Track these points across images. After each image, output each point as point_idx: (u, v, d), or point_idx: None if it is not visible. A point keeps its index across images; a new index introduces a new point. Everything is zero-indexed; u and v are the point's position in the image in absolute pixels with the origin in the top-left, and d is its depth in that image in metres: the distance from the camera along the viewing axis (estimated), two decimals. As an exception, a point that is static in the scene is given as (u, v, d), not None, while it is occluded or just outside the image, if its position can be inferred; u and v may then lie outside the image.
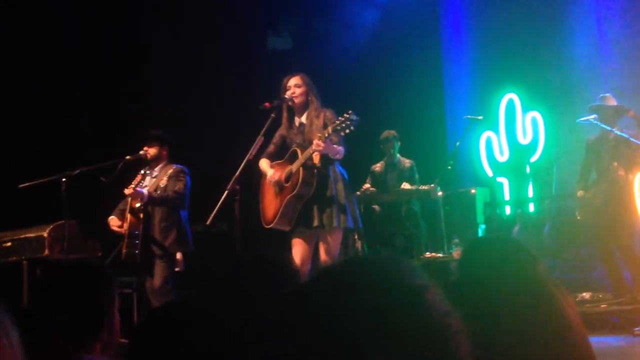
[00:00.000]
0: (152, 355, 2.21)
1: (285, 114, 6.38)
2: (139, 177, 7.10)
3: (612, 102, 7.56)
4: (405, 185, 8.96)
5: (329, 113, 6.20)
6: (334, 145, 6.02)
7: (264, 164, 6.43)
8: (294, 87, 6.30)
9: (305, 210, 6.13)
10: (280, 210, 6.17)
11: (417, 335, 0.98)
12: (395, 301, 0.99)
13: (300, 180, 6.10)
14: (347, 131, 5.82)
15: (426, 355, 0.97)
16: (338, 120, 5.87)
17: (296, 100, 6.30)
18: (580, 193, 7.74)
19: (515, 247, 1.52)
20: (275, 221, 6.21)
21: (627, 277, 7.51)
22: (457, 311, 1.39)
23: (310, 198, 6.11)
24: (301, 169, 6.12)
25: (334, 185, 6.16)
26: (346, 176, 6.35)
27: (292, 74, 6.39)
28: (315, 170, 6.14)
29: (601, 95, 7.67)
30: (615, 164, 7.42)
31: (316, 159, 6.14)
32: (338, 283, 1.02)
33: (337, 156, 6.12)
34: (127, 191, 6.96)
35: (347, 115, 5.81)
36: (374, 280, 1.02)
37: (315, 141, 5.94)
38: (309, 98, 6.30)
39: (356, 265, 1.07)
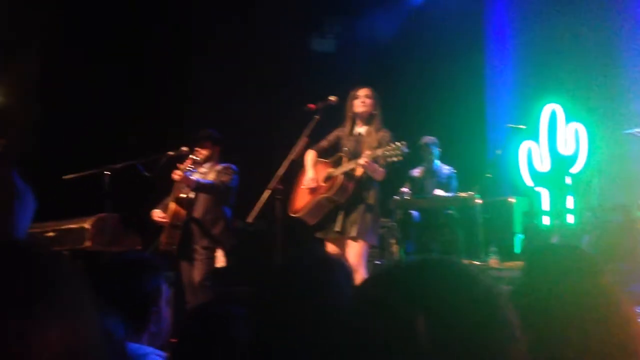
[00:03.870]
0: (197, 355, 2.23)
1: (349, 122, 6.44)
2: (189, 161, 6.84)
3: None
4: (438, 192, 8.95)
5: (387, 134, 6.26)
6: (377, 166, 6.06)
7: (310, 156, 6.49)
8: (364, 97, 6.40)
9: (332, 214, 6.20)
10: (310, 205, 6.25)
11: (468, 315, 1.03)
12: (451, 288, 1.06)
13: (338, 185, 6.17)
14: (395, 159, 5.88)
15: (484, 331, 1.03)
16: (390, 146, 5.92)
17: (361, 109, 6.37)
18: None
19: (580, 255, 1.52)
20: (301, 213, 6.28)
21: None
22: (520, 318, 1.42)
23: (341, 205, 6.17)
24: (341, 175, 6.18)
25: (366, 199, 6.22)
26: (379, 193, 6.39)
27: (363, 85, 6.45)
28: (354, 182, 6.20)
29: None
30: None
31: (359, 171, 6.20)
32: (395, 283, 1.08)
33: (377, 176, 6.17)
34: (175, 176, 6.83)
35: (399, 144, 5.87)
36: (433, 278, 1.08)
37: (364, 158, 6.00)
38: (374, 112, 6.37)
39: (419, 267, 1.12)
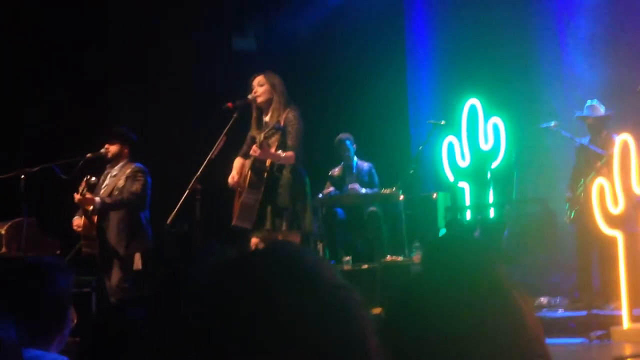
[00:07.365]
0: (103, 353, 2.18)
1: (254, 114, 6.40)
2: (83, 184, 6.71)
3: (599, 111, 7.63)
4: (355, 186, 8.97)
5: (291, 114, 6.20)
6: (276, 152, 6.03)
7: (235, 163, 6.44)
8: (257, 86, 6.32)
9: (261, 211, 6.15)
10: (238, 210, 6.20)
11: (306, 315, 1.03)
12: (283, 286, 1.05)
13: (247, 183, 6.14)
14: (273, 139, 5.95)
15: (318, 330, 1.03)
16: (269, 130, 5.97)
17: (258, 100, 6.31)
18: (568, 196, 7.80)
19: (476, 247, 1.52)
20: (235, 220, 6.23)
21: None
22: (416, 308, 1.43)
23: (264, 200, 6.11)
24: (249, 172, 6.15)
25: (286, 189, 6.16)
26: (306, 179, 6.34)
27: (259, 73, 6.39)
28: (265, 174, 6.15)
29: (589, 104, 7.73)
30: (589, 169, 7.53)
31: (268, 161, 6.16)
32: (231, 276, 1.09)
33: (285, 161, 6.12)
34: (76, 198, 6.74)
35: (274, 125, 6.03)
36: (261, 273, 1.07)
37: (253, 147, 6.01)
38: (273, 97, 6.30)
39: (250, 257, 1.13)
